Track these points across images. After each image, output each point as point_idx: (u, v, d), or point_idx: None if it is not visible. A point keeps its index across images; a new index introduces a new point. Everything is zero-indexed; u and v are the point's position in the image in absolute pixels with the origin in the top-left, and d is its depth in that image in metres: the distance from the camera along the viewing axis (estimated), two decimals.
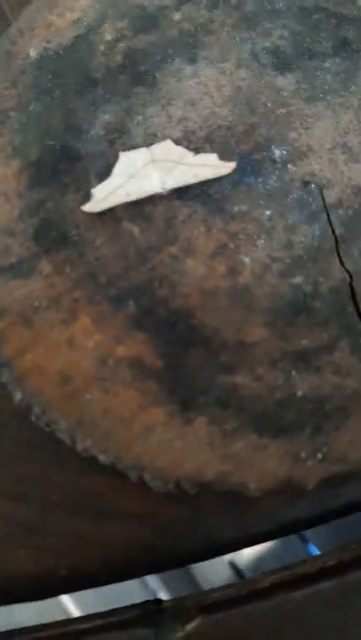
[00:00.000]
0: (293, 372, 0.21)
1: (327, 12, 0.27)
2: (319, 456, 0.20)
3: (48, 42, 0.27)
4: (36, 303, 0.22)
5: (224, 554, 0.22)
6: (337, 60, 0.26)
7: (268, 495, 0.21)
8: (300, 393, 0.21)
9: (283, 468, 0.20)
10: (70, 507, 0.22)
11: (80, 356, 0.21)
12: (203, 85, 0.26)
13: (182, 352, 0.22)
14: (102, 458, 0.21)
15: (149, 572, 0.22)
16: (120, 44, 0.27)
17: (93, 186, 0.24)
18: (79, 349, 0.22)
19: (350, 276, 0.23)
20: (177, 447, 0.20)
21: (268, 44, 0.27)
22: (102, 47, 0.27)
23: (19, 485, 0.22)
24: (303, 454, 0.20)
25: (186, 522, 0.22)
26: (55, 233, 0.23)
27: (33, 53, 0.26)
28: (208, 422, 0.21)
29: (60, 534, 0.21)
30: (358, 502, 0.22)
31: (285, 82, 0.26)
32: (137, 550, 0.21)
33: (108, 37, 0.27)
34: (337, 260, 0.23)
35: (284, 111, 0.25)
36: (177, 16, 0.27)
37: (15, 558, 0.21)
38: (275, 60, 0.26)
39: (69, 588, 0.21)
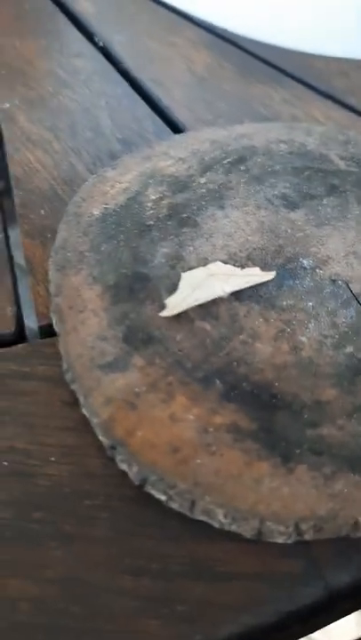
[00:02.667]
0: None
1: (314, 169, 0.36)
2: None
3: (106, 204, 0.34)
4: (137, 389, 0.25)
5: (344, 603, 0.23)
6: (331, 199, 0.34)
7: None
8: None
9: None
10: (190, 574, 0.22)
11: (183, 427, 0.24)
12: (234, 222, 0.33)
13: (271, 415, 0.25)
14: (220, 512, 0.22)
15: (277, 629, 0.22)
16: (163, 201, 0.34)
17: (165, 299, 0.29)
18: (182, 422, 0.24)
19: None
20: (286, 492, 0.23)
21: (276, 192, 0.35)
22: (150, 204, 0.34)
23: (138, 560, 0.23)
24: None
25: (302, 574, 0.23)
26: (141, 334, 0.27)
27: (96, 212, 0.33)
28: (308, 469, 0.23)
29: (185, 601, 0.22)
30: None
31: (297, 215, 0.33)
32: (261, 607, 0.22)
33: (153, 197, 0.34)
34: None
35: (301, 234, 0.32)
36: (203, 180, 0.35)
37: (148, 629, 0.21)
38: (285, 202, 0.34)
39: None
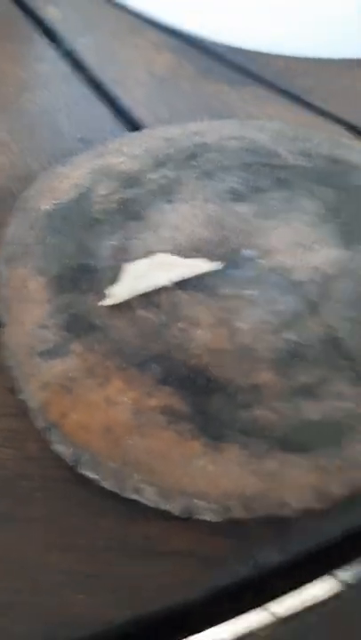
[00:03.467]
0: (302, 402, 0.25)
1: (263, 164, 0.37)
2: (339, 464, 0.23)
3: (55, 199, 0.34)
4: (73, 374, 0.26)
5: (274, 580, 0.23)
6: (278, 192, 0.35)
7: (303, 512, 0.23)
8: (310, 417, 0.25)
9: (312, 479, 0.23)
10: (119, 551, 0.23)
11: (118, 410, 0.25)
12: (182, 216, 0.33)
13: (206, 398, 0.25)
14: (149, 490, 0.23)
15: (206, 606, 0.22)
16: (113, 197, 0.34)
17: (108, 289, 0.29)
18: (116, 405, 0.25)
19: (329, 328, 0.28)
20: (215, 471, 0.23)
21: (225, 186, 0.35)
22: (99, 199, 0.34)
23: (68, 537, 0.23)
24: (326, 465, 0.23)
25: (234, 552, 0.23)
26: (83, 323, 0.28)
27: (44, 207, 0.34)
28: (239, 448, 0.24)
29: (113, 577, 0.22)
30: None
31: (244, 208, 0.34)
32: (189, 585, 0.22)
33: (103, 192, 0.35)
34: (315, 318, 0.28)
35: (247, 226, 0.33)
36: (154, 176, 0.36)
37: (74, 602, 0.21)
38: (233, 196, 0.35)
39: (134, 627, 0.21)
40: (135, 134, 0.40)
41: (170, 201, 0.34)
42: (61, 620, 0.21)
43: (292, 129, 0.40)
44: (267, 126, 0.40)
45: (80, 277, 0.30)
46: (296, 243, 0.32)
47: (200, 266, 0.30)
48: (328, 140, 0.40)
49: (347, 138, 0.42)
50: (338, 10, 0.50)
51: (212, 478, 0.23)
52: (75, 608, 0.21)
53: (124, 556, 0.23)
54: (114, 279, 0.30)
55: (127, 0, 0.59)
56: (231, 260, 0.31)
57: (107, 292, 0.29)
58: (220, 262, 0.30)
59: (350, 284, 0.30)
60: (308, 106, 0.47)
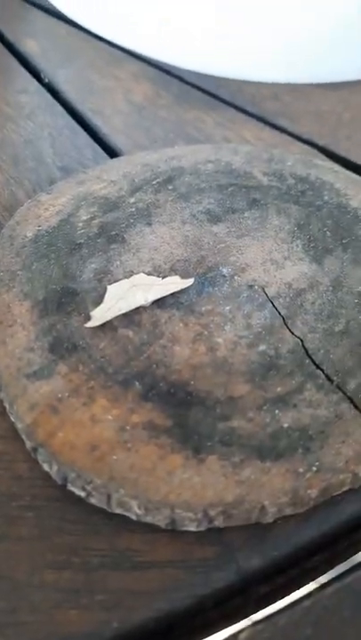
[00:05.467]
0: (277, 411, 0.26)
1: (238, 185, 0.38)
2: (314, 469, 0.25)
3: (39, 226, 0.36)
4: (60, 395, 0.27)
5: (257, 585, 0.24)
6: (252, 211, 0.37)
7: (281, 518, 0.25)
8: (285, 425, 0.26)
9: (288, 484, 0.24)
10: (109, 566, 0.24)
11: (102, 428, 0.26)
12: (160, 237, 0.35)
13: (185, 412, 0.26)
14: (135, 504, 0.24)
15: (192, 614, 0.23)
16: (94, 221, 0.36)
17: (91, 310, 0.30)
18: (101, 423, 0.26)
19: (301, 340, 0.29)
20: (196, 482, 0.24)
21: (201, 208, 0.37)
22: (81, 224, 0.36)
23: (60, 555, 0.24)
24: (301, 470, 0.25)
25: (215, 560, 0.24)
26: (67, 344, 0.29)
27: (29, 234, 0.35)
28: (218, 459, 0.25)
29: (104, 591, 0.23)
30: (358, 517, 0.26)
31: (219, 228, 0.35)
32: (176, 594, 0.23)
33: (85, 218, 0.36)
34: (288, 331, 0.30)
35: (223, 245, 0.34)
36: (132, 200, 0.37)
37: (68, 619, 0.22)
38: (208, 217, 0.36)
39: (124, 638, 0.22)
40: (114, 161, 0.42)
41: (149, 224, 0.36)
42: (57, 638, 0.22)
43: (267, 151, 0.42)
44: (241, 149, 0.42)
45: (64, 300, 0.31)
46: (269, 259, 0.34)
47: (175, 283, 0.32)
48: (301, 161, 0.41)
49: (319, 158, 0.44)
50: (303, 37, 0.52)
51: (194, 489, 0.24)
52: (69, 625, 0.22)
53: (116, 571, 0.23)
54: (97, 300, 0.31)
55: (104, 33, 0.61)
56: (208, 278, 0.32)
57: (91, 313, 0.30)
58: (192, 279, 0.32)
59: (319, 297, 0.31)
60: (280, 129, 0.49)
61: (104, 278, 0.32)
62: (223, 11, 0.52)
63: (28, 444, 0.26)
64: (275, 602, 0.24)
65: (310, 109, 0.50)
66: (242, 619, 0.23)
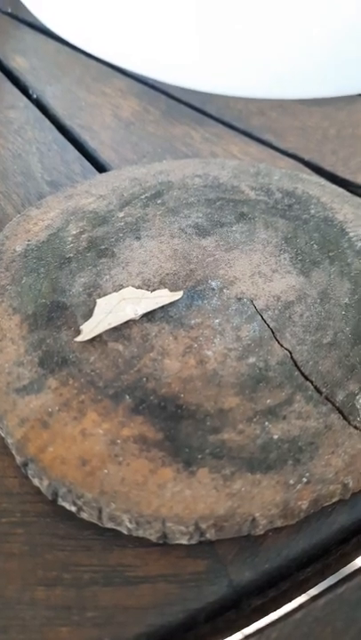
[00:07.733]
0: (266, 423, 0.27)
1: (226, 199, 0.39)
2: (304, 480, 0.25)
3: (29, 240, 0.36)
4: (50, 409, 0.27)
5: (249, 598, 0.24)
6: (240, 225, 0.37)
7: (272, 530, 0.25)
8: (275, 437, 0.26)
9: (278, 496, 0.24)
10: (101, 581, 0.24)
11: (93, 442, 0.26)
12: (149, 251, 0.35)
13: (176, 425, 0.26)
14: (126, 518, 0.24)
15: (185, 628, 0.23)
16: (83, 235, 0.36)
17: (81, 324, 0.30)
18: (92, 437, 0.26)
19: (290, 352, 0.30)
20: (188, 495, 0.24)
21: (189, 222, 0.37)
22: (70, 238, 0.36)
23: (51, 571, 0.24)
24: (291, 481, 0.25)
25: (207, 573, 0.24)
26: (57, 358, 0.29)
27: (19, 248, 0.35)
28: (209, 471, 0.25)
29: (95, 607, 0.23)
30: (349, 528, 0.26)
31: (208, 242, 0.36)
32: (168, 608, 0.23)
33: (74, 232, 0.36)
34: (276, 343, 0.30)
35: (211, 259, 0.35)
36: (121, 214, 0.38)
37: (59, 637, 0.22)
38: (197, 231, 0.37)
39: None
40: (103, 175, 0.42)
41: (138, 237, 0.36)
42: None
43: (254, 166, 0.43)
44: (228, 164, 0.43)
45: (54, 314, 0.31)
46: (257, 272, 0.34)
47: (164, 297, 0.32)
48: (287, 176, 0.42)
49: (305, 173, 0.45)
50: (289, 54, 0.53)
51: (186, 503, 0.24)
52: None
53: (107, 587, 0.23)
54: (87, 314, 0.31)
55: (92, 49, 0.62)
56: (197, 291, 0.33)
57: (81, 327, 0.30)
58: (181, 292, 0.32)
59: (307, 310, 0.32)
60: (266, 144, 0.49)
61: (94, 292, 0.32)
62: (209, 27, 0.53)
63: (19, 459, 0.26)
64: (267, 615, 0.24)
65: (296, 125, 0.51)
66: (234, 632, 0.23)
